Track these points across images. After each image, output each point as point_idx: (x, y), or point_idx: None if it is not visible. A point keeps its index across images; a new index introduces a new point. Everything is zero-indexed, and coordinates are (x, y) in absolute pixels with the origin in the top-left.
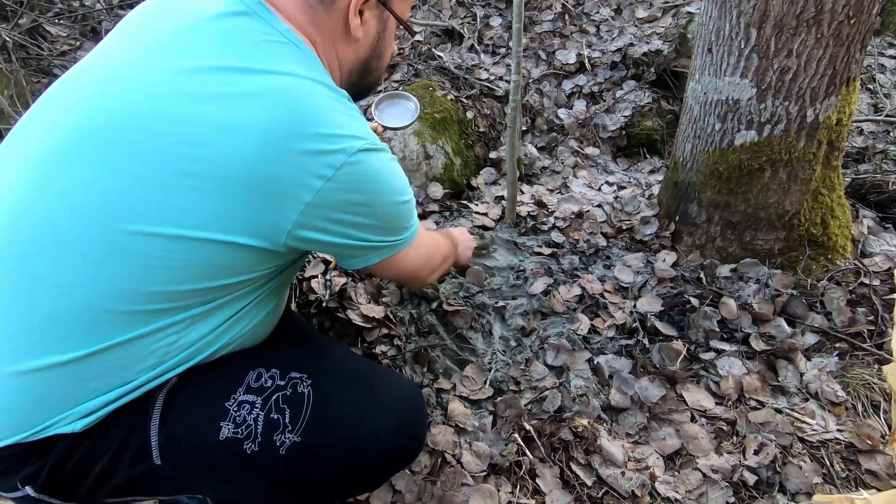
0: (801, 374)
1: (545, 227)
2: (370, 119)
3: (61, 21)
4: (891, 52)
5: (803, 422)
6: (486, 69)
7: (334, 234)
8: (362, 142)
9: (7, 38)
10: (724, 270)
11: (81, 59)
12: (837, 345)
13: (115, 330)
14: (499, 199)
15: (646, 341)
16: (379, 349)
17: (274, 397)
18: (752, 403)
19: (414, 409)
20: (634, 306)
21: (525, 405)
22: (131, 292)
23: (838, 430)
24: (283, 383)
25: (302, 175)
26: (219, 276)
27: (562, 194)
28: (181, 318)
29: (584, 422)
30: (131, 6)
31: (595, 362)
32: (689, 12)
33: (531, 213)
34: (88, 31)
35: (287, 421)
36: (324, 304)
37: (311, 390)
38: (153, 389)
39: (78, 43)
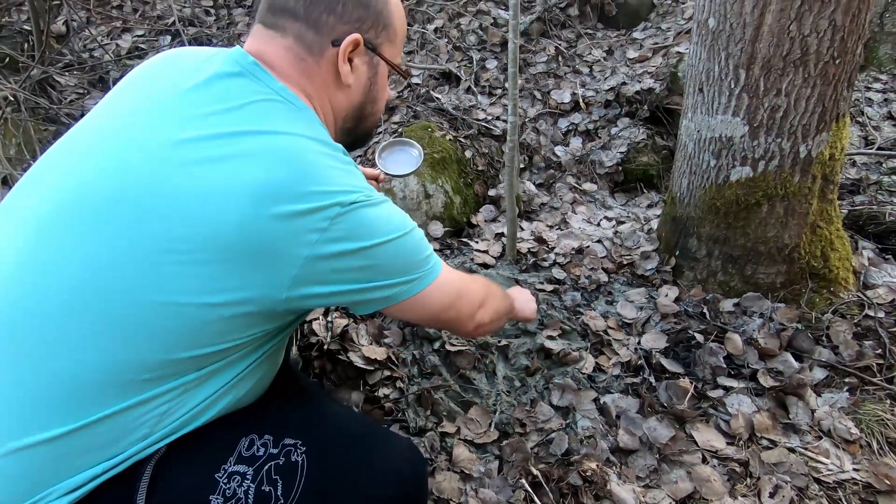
0: (813, 411)
1: (546, 264)
2: (374, 166)
3: (73, 72)
4: (877, 85)
5: (818, 461)
6: (483, 109)
7: (339, 282)
8: (357, 195)
9: (18, 92)
10: (728, 305)
11: (83, 118)
12: (847, 379)
13: (106, 401)
14: (499, 236)
15: (652, 379)
16: (381, 392)
17: (266, 467)
18: (765, 443)
19: (413, 477)
20: (639, 343)
21: (532, 448)
22: (123, 362)
23: (854, 470)
24: (275, 451)
25: (297, 233)
26: (214, 341)
27: (561, 230)
28: (174, 385)
29: (593, 465)
30: (140, 57)
31: (601, 402)
32: (678, 52)
33: (531, 250)
34: (97, 81)
35: (279, 493)
36: (325, 347)
37: (304, 458)
38: (141, 461)
39: (86, 92)
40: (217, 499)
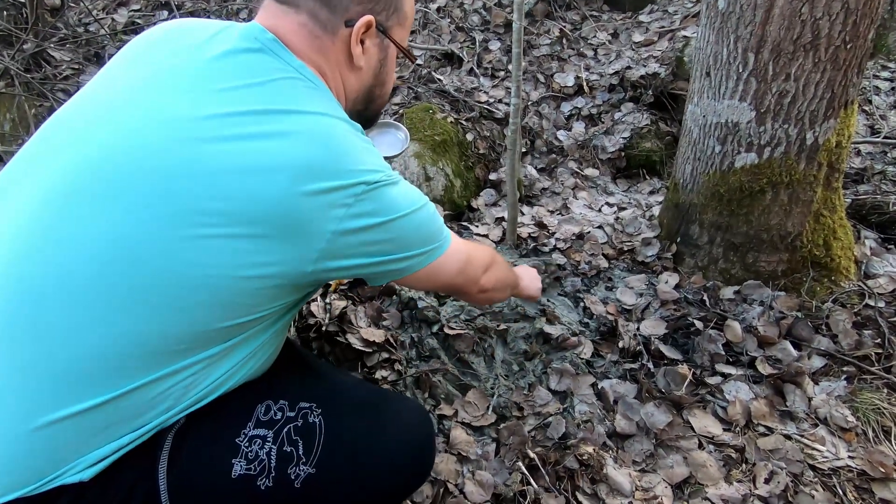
0: (810, 399)
1: (546, 249)
2: None
3: (68, 46)
4: (885, 74)
5: (814, 448)
6: (485, 92)
7: (362, 255)
8: (380, 174)
9: (10, 66)
10: (728, 292)
11: (84, 88)
12: (845, 368)
13: (134, 374)
14: (499, 220)
15: (650, 365)
16: (379, 374)
17: (285, 429)
18: (761, 429)
19: (424, 434)
20: (638, 329)
21: (529, 432)
22: (152, 334)
23: (850, 458)
24: (293, 414)
25: (326, 208)
26: (242, 312)
27: (562, 215)
28: (200, 358)
29: (590, 449)
30: (136, 32)
31: (599, 387)
32: (684, 36)
33: (532, 235)
34: (92, 56)
35: (301, 453)
36: (323, 328)
37: (321, 419)
38: (161, 431)
39: (80, 67)
40: (240, 462)
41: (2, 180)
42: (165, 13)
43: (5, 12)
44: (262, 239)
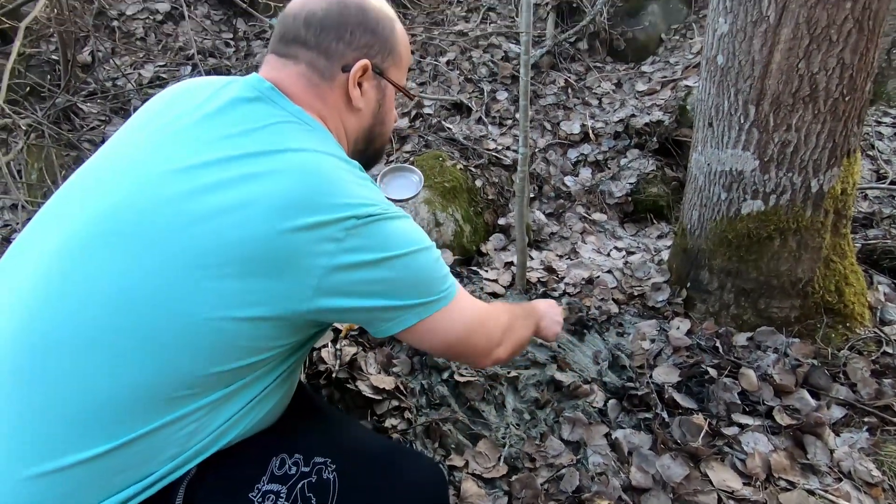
0: (832, 452)
1: (556, 294)
2: None
3: (96, 100)
4: (887, 120)
5: None
6: (493, 140)
7: (357, 295)
8: (374, 207)
9: (42, 121)
10: (741, 339)
11: (101, 148)
12: (866, 419)
13: (140, 420)
14: (508, 264)
15: (665, 414)
16: (389, 422)
17: (299, 485)
18: (782, 484)
19: (438, 494)
20: (650, 377)
21: (541, 485)
22: (157, 380)
23: None
24: (307, 470)
25: (315, 243)
26: (243, 355)
27: (571, 260)
28: (204, 403)
29: (605, 503)
30: (161, 86)
31: (613, 437)
32: (686, 86)
33: (541, 280)
34: (118, 109)
35: None
36: (333, 375)
37: (336, 476)
38: (172, 483)
39: (107, 119)
40: None
41: (25, 234)
42: (189, 68)
43: (40, 69)
44: (255, 278)
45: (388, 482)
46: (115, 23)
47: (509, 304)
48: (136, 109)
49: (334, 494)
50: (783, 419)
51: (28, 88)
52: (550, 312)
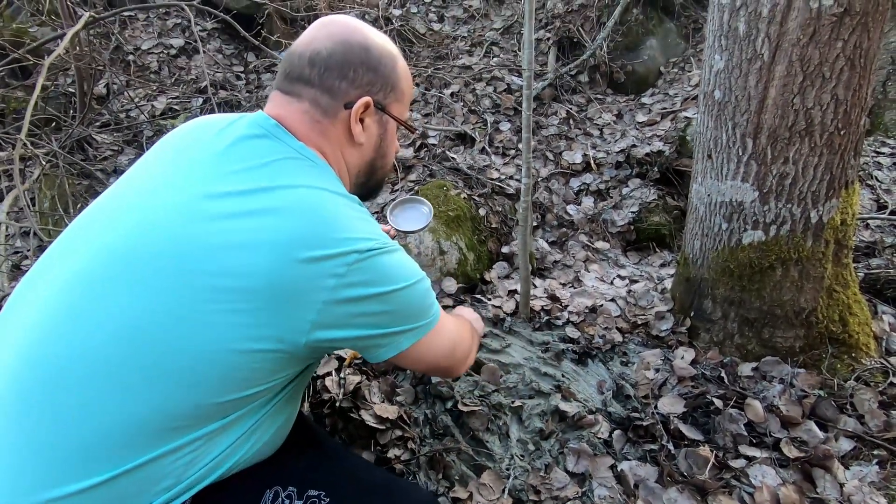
0: (841, 485)
1: (559, 322)
2: (385, 223)
3: (111, 132)
4: (885, 150)
5: None
6: (496, 169)
7: (354, 327)
8: (373, 242)
9: (57, 151)
10: (746, 369)
11: (116, 182)
12: (875, 452)
13: (139, 450)
14: (512, 292)
15: (671, 446)
16: (392, 453)
17: None
18: None
19: None
20: (656, 407)
21: None
22: (158, 411)
23: None
24: (301, 503)
25: (317, 278)
26: (242, 386)
27: (574, 288)
28: (200, 434)
29: None
30: (173, 118)
31: (619, 469)
32: (686, 117)
33: (545, 308)
34: (131, 139)
35: None
36: (337, 404)
37: None
38: None
39: (120, 149)
40: None
41: (39, 264)
42: (200, 100)
43: (57, 101)
44: (259, 312)
45: None
46: (131, 56)
47: (454, 315)
48: (148, 139)
49: None
50: (791, 451)
51: (45, 121)
52: (471, 316)
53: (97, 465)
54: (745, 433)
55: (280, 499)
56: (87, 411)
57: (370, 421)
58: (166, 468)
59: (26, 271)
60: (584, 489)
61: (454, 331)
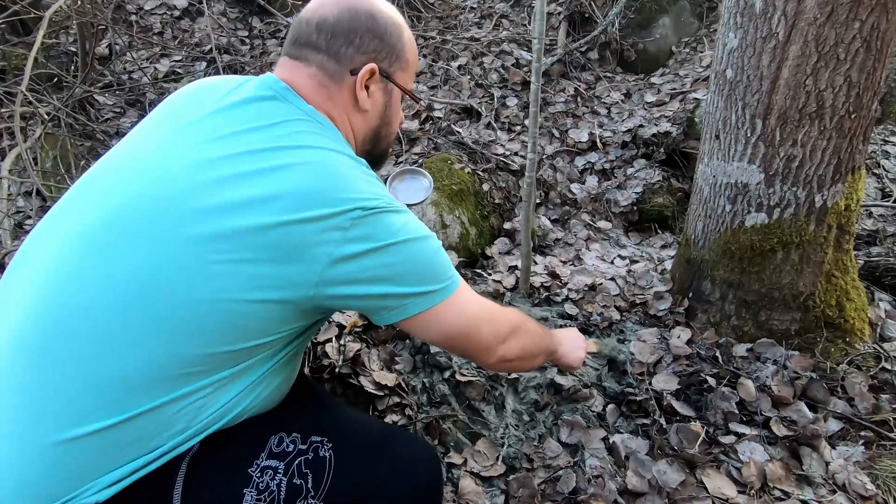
0: (827, 464)
1: (559, 299)
2: None
3: (114, 93)
4: (894, 139)
5: None
6: (502, 145)
7: (360, 283)
8: (379, 201)
9: (60, 110)
10: (741, 350)
11: (122, 140)
12: (862, 433)
13: (151, 395)
14: (512, 268)
15: (662, 421)
16: (389, 418)
17: (296, 462)
18: (777, 493)
19: (432, 474)
20: (650, 383)
21: (538, 485)
22: (169, 358)
23: None
24: (304, 447)
25: (323, 232)
26: (250, 336)
27: (575, 266)
28: (211, 381)
29: None
30: (175, 81)
31: (610, 441)
32: (695, 98)
33: (544, 284)
34: (133, 101)
35: (310, 486)
36: (336, 370)
37: (332, 454)
38: (176, 458)
39: (122, 111)
40: (251, 492)
41: (46, 220)
42: (204, 64)
43: (59, 60)
44: (267, 264)
45: (384, 461)
46: (133, 17)
47: (528, 316)
48: (150, 102)
49: (330, 471)
50: (780, 430)
51: (47, 78)
52: (571, 337)
53: (116, 407)
54: (737, 411)
55: (285, 443)
56: (101, 357)
57: (369, 387)
58: (178, 412)
59: (30, 230)
60: (575, 459)
61: (483, 310)
